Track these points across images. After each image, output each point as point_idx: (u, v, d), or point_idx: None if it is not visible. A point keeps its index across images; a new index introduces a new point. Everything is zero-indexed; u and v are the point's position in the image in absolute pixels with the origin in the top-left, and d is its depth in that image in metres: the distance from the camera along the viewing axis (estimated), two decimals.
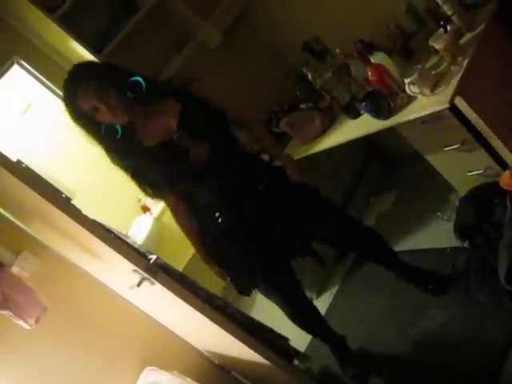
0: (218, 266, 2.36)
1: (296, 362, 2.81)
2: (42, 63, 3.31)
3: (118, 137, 2.07)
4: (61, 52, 3.26)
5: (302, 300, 2.54)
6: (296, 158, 3.04)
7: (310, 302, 2.63)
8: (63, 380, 2.68)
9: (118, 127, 2.07)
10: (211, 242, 2.32)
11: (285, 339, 2.77)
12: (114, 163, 2.18)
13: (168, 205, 2.34)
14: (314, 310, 2.65)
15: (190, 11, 3.40)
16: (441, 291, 2.61)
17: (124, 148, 2.13)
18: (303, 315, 2.56)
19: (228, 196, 2.19)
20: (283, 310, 2.51)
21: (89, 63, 2.26)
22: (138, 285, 2.38)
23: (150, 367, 2.87)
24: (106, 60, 3.05)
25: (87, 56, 3.10)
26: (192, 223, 2.31)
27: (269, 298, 2.49)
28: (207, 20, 3.41)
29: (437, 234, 3.01)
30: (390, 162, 3.94)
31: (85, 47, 3.05)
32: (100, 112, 1.99)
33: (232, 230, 2.25)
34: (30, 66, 3.36)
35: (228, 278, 2.42)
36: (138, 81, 2.06)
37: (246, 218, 2.22)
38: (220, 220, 2.21)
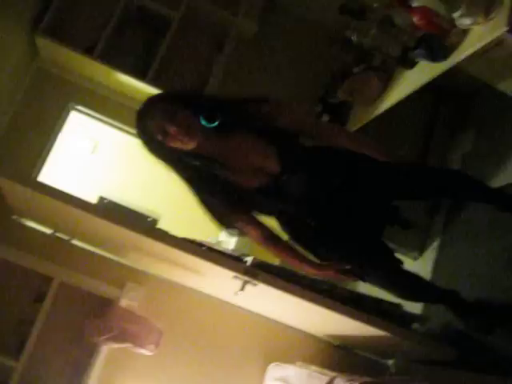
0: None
1: (414, 325, 2.75)
2: (95, 102, 3.40)
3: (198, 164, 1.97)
4: (109, 87, 3.34)
5: (407, 277, 2.45)
6: (364, 122, 2.98)
7: (414, 275, 2.52)
8: None
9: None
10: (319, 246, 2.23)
11: (397, 306, 2.72)
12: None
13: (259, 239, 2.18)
14: (421, 280, 2.55)
15: (219, 10, 3.38)
16: None
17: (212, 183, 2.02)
18: (411, 290, 2.47)
19: (311, 198, 2.09)
20: (393, 293, 2.43)
21: (160, 93, 2.14)
22: (242, 289, 2.41)
23: (273, 363, 2.91)
24: (154, 82, 3.09)
25: (134, 84, 3.16)
26: (277, 242, 2.18)
27: (378, 285, 2.42)
28: (237, 13, 3.37)
29: None
30: (459, 102, 3.76)
31: (130, 76, 3.11)
32: (170, 135, 1.86)
33: (328, 229, 2.17)
34: (85, 107, 3.46)
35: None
36: (216, 109, 1.95)
37: (336, 214, 2.15)
38: (313, 224, 2.12)
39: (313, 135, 2.13)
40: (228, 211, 2.07)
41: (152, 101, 1.96)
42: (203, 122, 1.91)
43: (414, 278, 2.48)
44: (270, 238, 2.15)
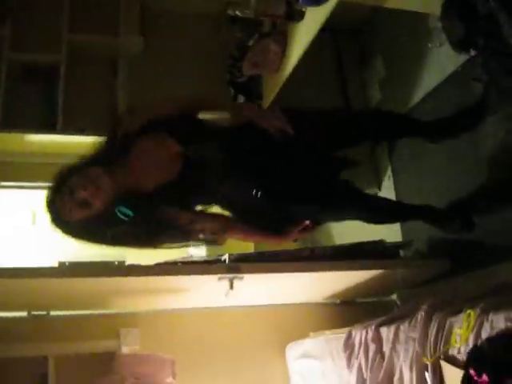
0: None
1: (401, 253, 2.81)
2: (15, 172, 3.27)
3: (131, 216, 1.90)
4: (24, 151, 3.22)
5: (370, 198, 2.51)
6: (278, 88, 2.99)
7: (378, 196, 2.59)
8: None
9: (124, 209, 1.88)
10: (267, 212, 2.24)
11: (379, 242, 2.77)
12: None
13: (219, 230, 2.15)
14: (386, 199, 2.62)
15: (99, 36, 3.33)
16: (481, 113, 2.56)
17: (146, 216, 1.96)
18: (381, 210, 2.52)
19: (246, 174, 2.12)
20: (362, 219, 2.46)
21: (45, 203, 1.98)
22: (231, 287, 2.40)
23: (289, 344, 2.92)
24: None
25: (47, 139, 3.07)
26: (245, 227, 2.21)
27: (345, 217, 2.45)
28: (119, 33, 3.32)
29: (440, 63, 2.92)
30: (357, 36, 3.86)
31: (40, 133, 3.03)
32: (86, 201, 1.82)
33: (275, 194, 2.17)
34: (7, 181, 3.32)
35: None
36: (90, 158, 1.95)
37: (276, 179, 2.16)
38: (259, 194, 2.10)
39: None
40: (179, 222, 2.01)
41: (49, 206, 1.91)
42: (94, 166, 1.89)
43: (379, 197, 2.55)
44: (230, 223, 2.15)
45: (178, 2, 3.55)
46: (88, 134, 2.88)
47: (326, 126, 2.36)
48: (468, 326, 1.58)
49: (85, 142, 2.54)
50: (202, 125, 2.13)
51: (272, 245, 2.27)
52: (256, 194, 2.10)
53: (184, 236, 2.07)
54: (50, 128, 3.04)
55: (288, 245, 3.16)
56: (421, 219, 2.70)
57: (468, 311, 1.61)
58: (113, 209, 1.87)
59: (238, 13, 2.94)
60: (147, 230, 1.98)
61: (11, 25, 3.15)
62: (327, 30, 3.16)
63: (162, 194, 1.95)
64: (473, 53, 2.40)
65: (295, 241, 2.47)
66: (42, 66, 3.19)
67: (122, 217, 1.88)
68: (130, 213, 1.88)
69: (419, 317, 1.89)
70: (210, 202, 2.13)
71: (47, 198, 1.92)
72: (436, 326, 1.77)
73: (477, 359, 1.50)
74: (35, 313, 2.74)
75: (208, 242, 2.20)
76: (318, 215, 2.30)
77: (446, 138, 2.67)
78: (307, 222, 2.22)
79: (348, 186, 2.34)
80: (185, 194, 2.00)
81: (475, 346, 1.54)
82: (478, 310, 1.59)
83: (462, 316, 1.64)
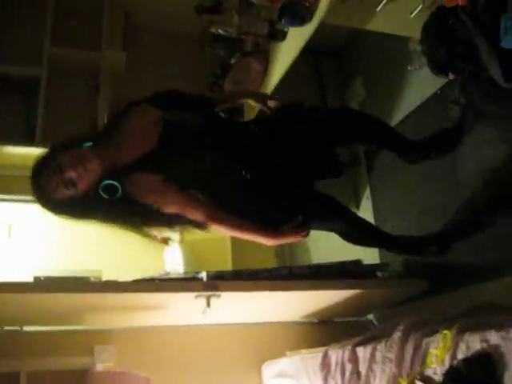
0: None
1: (378, 274, 2.82)
2: None
3: (119, 194, 1.89)
4: (1, 164, 3.19)
5: (351, 214, 2.52)
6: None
7: (358, 216, 2.60)
8: None
9: (114, 183, 1.88)
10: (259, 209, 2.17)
11: (357, 262, 2.79)
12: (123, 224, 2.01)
13: (205, 219, 2.04)
14: (363, 219, 2.62)
15: (81, 51, 3.33)
16: (459, 136, 2.62)
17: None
18: (359, 227, 2.52)
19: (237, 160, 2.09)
20: (342, 234, 2.45)
21: (31, 174, 1.98)
22: (208, 305, 2.38)
23: (265, 363, 2.90)
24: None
25: (25, 152, 3.03)
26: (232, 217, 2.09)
27: (326, 229, 2.44)
28: (101, 48, 3.32)
29: (420, 86, 2.97)
30: (338, 58, 3.92)
31: (18, 145, 2.99)
32: (73, 180, 1.82)
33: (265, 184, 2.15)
34: None
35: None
36: (81, 137, 1.96)
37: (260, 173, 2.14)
38: (249, 176, 2.08)
39: None
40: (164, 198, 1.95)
41: (35, 179, 1.89)
42: (85, 145, 1.90)
43: (359, 217, 2.57)
44: (217, 211, 2.04)
45: (161, 18, 3.56)
46: None
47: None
48: (444, 346, 1.59)
49: None
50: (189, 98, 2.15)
51: (263, 242, 2.16)
52: (245, 175, 2.07)
53: (167, 219, 2.01)
54: (28, 141, 3.01)
55: (266, 263, 3.17)
56: (396, 251, 2.72)
57: (444, 331, 1.61)
58: (97, 189, 1.87)
59: (220, 31, 2.97)
60: (130, 209, 1.94)
61: None
62: (309, 51, 3.19)
63: (143, 164, 1.93)
64: (451, 76, 2.44)
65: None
66: (23, 79, 3.17)
67: (105, 195, 1.87)
68: (116, 184, 1.88)
69: (396, 337, 1.89)
70: (192, 187, 2.05)
71: (34, 169, 1.92)
72: (412, 346, 1.77)
73: (453, 379, 1.51)
74: (8, 328, 2.68)
75: (194, 227, 2.07)
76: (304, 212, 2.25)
77: (423, 159, 2.70)
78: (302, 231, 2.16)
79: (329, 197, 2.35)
80: (166, 167, 1.95)
81: (451, 366, 1.54)
82: (454, 331, 1.60)
83: (439, 336, 1.65)
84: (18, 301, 2.28)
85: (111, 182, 1.88)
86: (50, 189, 1.85)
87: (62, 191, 1.84)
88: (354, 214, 2.61)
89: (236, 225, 2.08)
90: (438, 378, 1.60)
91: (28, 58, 3.19)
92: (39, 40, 3.20)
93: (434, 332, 1.73)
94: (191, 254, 3.87)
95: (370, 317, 3.18)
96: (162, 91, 2.15)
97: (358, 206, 3.49)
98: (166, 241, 4.02)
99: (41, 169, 1.89)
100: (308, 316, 3.08)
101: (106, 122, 2.08)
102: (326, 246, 3.52)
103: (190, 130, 2.03)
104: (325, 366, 2.33)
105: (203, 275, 2.45)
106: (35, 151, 2.98)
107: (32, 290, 2.24)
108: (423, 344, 1.73)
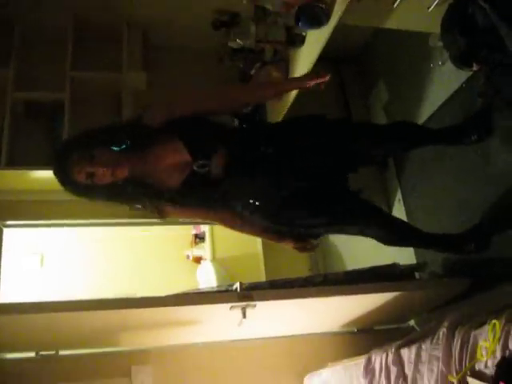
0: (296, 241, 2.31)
1: (417, 275, 2.74)
2: (23, 210, 3.26)
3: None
4: (32, 189, 3.21)
5: (385, 216, 2.47)
6: (282, 114, 2.98)
7: (392, 215, 2.55)
8: None
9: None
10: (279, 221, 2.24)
11: (393, 265, 2.71)
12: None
13: (226, 226, 2.35)
14: (399, 219, 2.56)
15: (102, 73, 3.37)
16: (488, 130, 2.55)
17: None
18: (396, 227, 2.46)
19: (262, 174, 2.14)
20: (378, 237, 2.40)
21: (62, 145, 2.14)
22: (244, 316, 2.33)
23: (307, 376, 2.82)
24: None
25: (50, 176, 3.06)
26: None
27: (362, 234, 2.40)
28: (122, 69, 3.35)
29: (444, 82, 2.92)
30: (358, 60, 3.89)
31: (46, 169, 2.99)
32: (96, 175, 1.88)
33: (285, 201, 2.17)
34: (12, 219, 3.31)
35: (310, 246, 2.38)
36: (118, 132, 2.00)
37: (287, 182, 2.15)
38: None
39: (216, 111, 2.16)
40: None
41: (64, 153, 1.95)
42: (116, 149, 1.93)
43: (393, 216, 2.52)
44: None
45: (179, 36, 3.59)
46: None
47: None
48: (494, 337, 1.51)
49: None
50: (213, 130, 2.13)
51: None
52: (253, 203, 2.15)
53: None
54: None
55: (301, 271, 3.11)
56: (434, 248, 2.65)
57: (493, 321, 1.54)
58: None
59: (239, 43, 2.97)
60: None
61: (16, 64, 3.20)
62: (328, 59, 3.17)
63: (164, 196, 2.03)
64: (475, 67, 2.39)
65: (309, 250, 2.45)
66: (47, 104, 3.22)
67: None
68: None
69: (441, 334, 1.81)
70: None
71: (68, 144, 2.02)
72: (460, 341, 1.69)
73: (507, 372, 1.43)
74: (43, 353, 2.66)
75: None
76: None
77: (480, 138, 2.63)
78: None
79: (360, 198, 2.31)
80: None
81: (503, 357, 1.47)
82: (503, 320, 1.52)
83: (487, 328, 1.57)
84: (52, 324, 2.27)
85: None
86: (73, 170, 1.89)
87: (81, 177, 1.89)
88: (390, 214, 2.57)
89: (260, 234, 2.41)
90: (490, 371, 1.52)
91: (50, 82, 3.23)
92: (61, 64, 3.24)
93: (481, 324, 1.65)
94: (224, 269, 3.85)
95: (412, 323, 3.08)
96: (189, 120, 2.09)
97: (390, 210, 3.42)
98: (198, 260, 4.01)
99: (75, 147, 1.94)
100: (347, 325, 3.00)
101: (134, 126, 2.06)
102: (359, 254, 3.46)
103: (214, 181, 2.06)
104: (369, 371, 2.25)
105: (237, 286, 2.41)
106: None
107: (68, 309, 2.20)
108: (471, 337, 1.65)
